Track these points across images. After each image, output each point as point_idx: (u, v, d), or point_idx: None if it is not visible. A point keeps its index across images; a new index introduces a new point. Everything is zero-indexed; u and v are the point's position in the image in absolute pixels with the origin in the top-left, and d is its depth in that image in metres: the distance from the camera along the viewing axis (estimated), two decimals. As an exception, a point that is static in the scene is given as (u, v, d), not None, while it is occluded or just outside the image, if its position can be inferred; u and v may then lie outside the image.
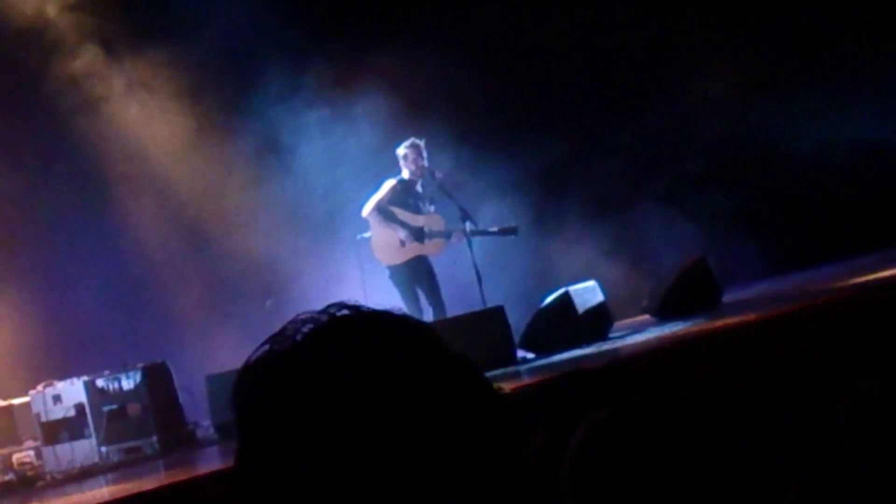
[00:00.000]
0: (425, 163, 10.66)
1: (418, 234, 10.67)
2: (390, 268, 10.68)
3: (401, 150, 10.74)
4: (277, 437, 1.21)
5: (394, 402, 1.20)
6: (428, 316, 10.35)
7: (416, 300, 10.56)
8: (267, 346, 1.27)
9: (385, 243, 10.69)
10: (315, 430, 1.20)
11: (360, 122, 12.05)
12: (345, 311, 1.28)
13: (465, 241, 10.52)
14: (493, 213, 11.37)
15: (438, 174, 10.65)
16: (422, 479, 1.19)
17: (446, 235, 10.73)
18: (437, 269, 10.78)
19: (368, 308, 1.29)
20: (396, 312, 1.30)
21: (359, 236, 10.89)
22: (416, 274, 10.67)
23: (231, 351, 10.14)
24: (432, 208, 10.82)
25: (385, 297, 9.90)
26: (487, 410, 1.26)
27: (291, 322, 1.28)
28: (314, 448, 1.19)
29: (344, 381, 1.21)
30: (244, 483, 1.24)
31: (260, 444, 1.23)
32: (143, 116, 12.07)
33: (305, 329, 1.26)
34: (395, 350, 1.24)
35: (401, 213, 10.68)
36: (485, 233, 10.70)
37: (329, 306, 1.29)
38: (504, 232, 10.75)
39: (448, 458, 1.20)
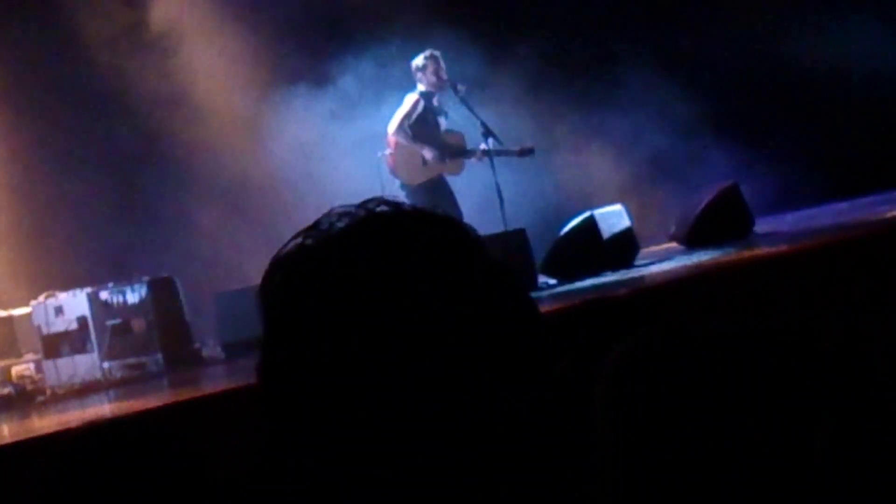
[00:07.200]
0: (444, 75, 10.23)
1: (441, 153, 10.29)
2: (408, 187, 10.27)
3: (419, 61, 10.26)
4: (307, 329, 1.19)
5: (432, 300, 1.18)
6: None
7: None
8: (300, 239, 1.25)
9: (407, 162, 10.29)
10: (346, 323, 1.17)
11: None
12: (384, 207, 1.25)
13: (486, 160, 10.15)
14: (516, 131, 10.92)
15: (460, 87, 10.17)
16: (454, 379, 1.17)
17: (467, 154, 10.35)
18: (457, 189, 10.39)
19: (408, 205, 1.26)
20: (438, 212, 1.27)
21: (379, 153, 10.50)
22: (438, 194, 10.25)
23: (241, 270, 9.95)
24: (456, 120, 10.39)
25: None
26: (526, 319, 1.24)
27: (326, 215, 1.25)
28: (345, 342, 1.17)
29: (381, 275, 1.18)
30: (270, 376, 1.22)
31: (288, 337, 1.21)
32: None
33: (341, 223, 1.23)
34: (435, 247, 1.22)
35: (423, 130, 10.29)
36: (504, 152, 10.28)
37: (367, 201, 1.25)
38: (522, 153, 10.33)
39: (482, 362, 1.18)
